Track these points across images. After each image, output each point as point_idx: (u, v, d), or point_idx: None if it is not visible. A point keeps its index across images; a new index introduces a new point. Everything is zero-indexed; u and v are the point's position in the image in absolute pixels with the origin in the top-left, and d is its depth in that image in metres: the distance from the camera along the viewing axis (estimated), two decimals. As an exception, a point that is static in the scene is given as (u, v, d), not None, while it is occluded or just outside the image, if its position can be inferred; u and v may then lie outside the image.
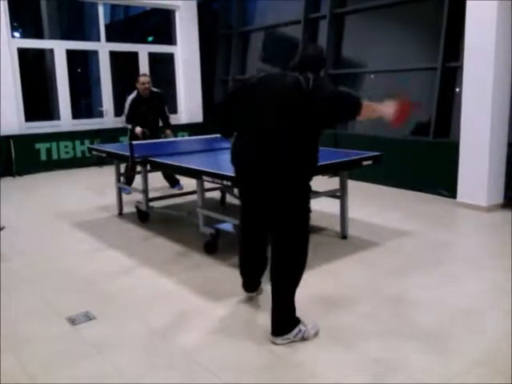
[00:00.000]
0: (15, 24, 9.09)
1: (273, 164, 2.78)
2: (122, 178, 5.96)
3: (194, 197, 5.15)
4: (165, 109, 7.02)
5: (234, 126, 3.10)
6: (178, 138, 7.10)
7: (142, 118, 6.66)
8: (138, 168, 5.22)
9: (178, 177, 7.00)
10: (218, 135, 3.44)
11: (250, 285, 3.42)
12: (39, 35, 9.85)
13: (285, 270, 2.95)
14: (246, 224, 3.27)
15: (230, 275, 3.90)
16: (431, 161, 6.50)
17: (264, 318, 3.17)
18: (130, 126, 6.69)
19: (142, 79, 6.71)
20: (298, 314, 2.97)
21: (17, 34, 9.29)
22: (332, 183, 4.74)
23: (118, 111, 9.88)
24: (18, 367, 2.69)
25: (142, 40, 10.97)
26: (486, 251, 4.47)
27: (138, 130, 6.57)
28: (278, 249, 2.94)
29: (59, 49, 9.32)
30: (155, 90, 6.95)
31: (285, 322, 2.91)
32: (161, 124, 7.08)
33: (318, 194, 4.83)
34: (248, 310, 3.33)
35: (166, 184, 7.04)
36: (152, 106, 6.78)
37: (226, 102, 3.24)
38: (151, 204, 5.33)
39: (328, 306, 3.34)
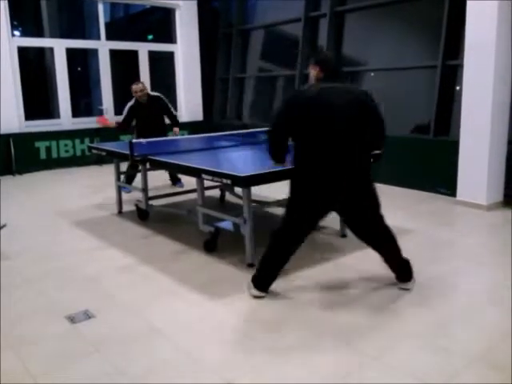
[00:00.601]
0: (15, 23, 9.08)
1: (352, 166, 3.26)
2: (122, 177, 5.96)
3: (193, 195, 5.15)
4: (170, 109, 7.10)
5: (297, 135, 3.29)
6: (178, 137, 7.09)
7: (142, 122, 6.80)
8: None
9: (178, 175, 7.03)
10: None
11: (270, 284, 3.51)
12: (39, 34, 9.81)
13: (388, 231, 3.48)
14: (308, 222, 3.43)
15: (229, 273, 3.91)
16: (431, 159, 6.49)
17: (264, 315, 3.19)
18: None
19: (133, 88, 6.84)
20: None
21: (17, 33, 9.27)
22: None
23: (118, 110, 9.91)
24: (19, 365, 2.69)
25: (142, 38, 10.94)
26: (486, 249, 4.46)
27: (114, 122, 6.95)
28: (375, 224, 3.46)
29: (59, 47, 9.33)
30: (154, 94, 7.05)
31: (408, 268, 3.52)
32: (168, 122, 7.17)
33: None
34: (248, 308, 3.32)
35: (166, 182, 7.04)
36: (151, 110, 6.86)
37: (286, 112, 3.32)
38: (151, 202, 5.34)
39: (327, 305, 3.35)
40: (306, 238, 3.46)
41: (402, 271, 3.52)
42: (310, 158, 3.25)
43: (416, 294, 3.45)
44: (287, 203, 3.46)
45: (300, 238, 3.47)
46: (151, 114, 6.83)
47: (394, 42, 7.73)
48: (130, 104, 6.86)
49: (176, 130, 7.09)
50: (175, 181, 7.20)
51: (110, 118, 9.83)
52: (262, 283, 3.48)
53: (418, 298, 3.39)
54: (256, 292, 3.46)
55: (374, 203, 3.43)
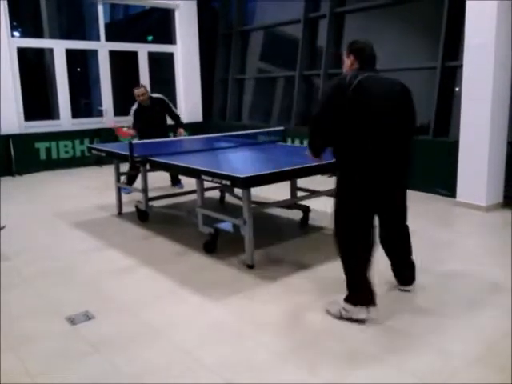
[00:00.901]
0: (15, 23, 9.07)
1: (403, 163, 3.22)
2: (122, 178, 5.97)
3: (193, 196, 5.15)
4: (172, 110, 7.22)
5: (343, 127, 3.03)
6: (178, 138, 7.10)
7: (146, 124, 6.84)
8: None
9: (179, 176, 7.05)
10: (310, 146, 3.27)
11: (372, 294, 3.12)
12: (39, 35, 9.79)
13: (408, 233, 3.50)
14: (365, 222, 3.18)
15: (229, 274, 3.91)
16: (431, 160, 6.47)
17: (263, 316, 3.19)
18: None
19: (135, 92, 6.93)
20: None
21: (16, 34, 9.26)
22: (331, 182, 4.73)
23: (118, 111, 9.99)
24: (19, 366, 2.69)
25: (142, 39, 10.94)
26: (485, 250, 4.46)
27: (125, 130, 7.04)
28: (399, 218, 3.46)
29: (59, 48, 9.32)
30: (156, 95, 7.12)
31: (413, 271, 3.52)
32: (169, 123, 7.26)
33: (317, 193, 4.85)
34: (247, 309, 3.32)
35: (166, 183, 7.04)
36: (154, 112, 6.95)
37: (332, 101, 3.04)
38: (151, 203, 5.34)
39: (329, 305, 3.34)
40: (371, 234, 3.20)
41: (407, 274, 3.52)
42: (361, 153, 3.02)
43: (416, 294, 3.46)
44: (336, 205, 3.21)
45: (368, 241, 3.18)
46: (154, 116, 6.92)
47: (393, 43, 7.72)
48: (134, 108, 6.94)
49: (181, 130, 7.18)
50: (175, 182, 7.22)
51: (110, 118, 9.86)
52: (370, 295, 3.09)
53: (418, 298, 3.39)
54: (357, 310, 3.06)
55: (405, 202, 3.46)
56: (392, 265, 3.53)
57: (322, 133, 3.15)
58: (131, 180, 6.70)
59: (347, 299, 3.12)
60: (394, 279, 3.55)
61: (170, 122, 7.26)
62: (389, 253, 3.50)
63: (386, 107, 3.06)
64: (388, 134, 3.06)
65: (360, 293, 3.09)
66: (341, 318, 3.12)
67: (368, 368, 2.60)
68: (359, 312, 3.05)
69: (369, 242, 3.19)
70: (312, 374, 2.56)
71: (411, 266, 3.52)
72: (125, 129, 7.04)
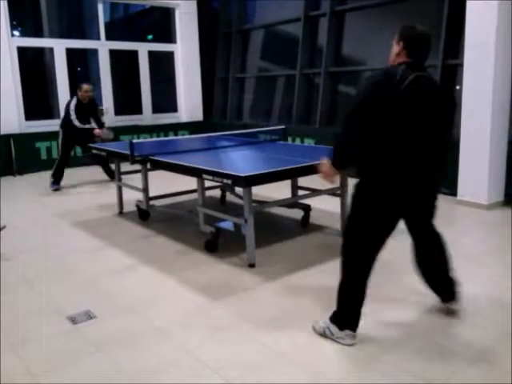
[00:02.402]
0: (15, 23, 9.06)
1: (440, 170, 2.90)
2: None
3: (194, 195, 5.15)
4: (97, 112, 7.65)
5: (379, 133, 2.60)
6: (179, 137, 7.12)
7: (81, 121, 7.16)
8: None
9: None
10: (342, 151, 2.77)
11: (359, 317, 2.86)
12: (39, 34, 9.77)
13: (445, 246, 3.15)
14: (381, 240, 2.81)
15: (230, 273, 3.90)
16: None
17: (264, 316, 3.19)
18: (87, 126, 7.22)
19: (85, 87, 7.25)
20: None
21: (16, 33, 9.24)
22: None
23: (119, 109, 10.02)
24: (20, 366, 2.69)
25: (142, 38, 10.93)
26: (486, 249, 4.46)
27: (98, 131, 7.21)
28: (435, 235, 3.18)
29: (59, 47, 9.32)
30: (91, 98, 7.54)
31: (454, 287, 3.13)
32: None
33: (318, 192, 4.84)
34: (249, 308, 3.32)
35: (167, 182, 7.02)
36: (88, 110, 7.36)
37: (367, 106, 2.57)
38: (152, 202, 5.34)
39: (330, 304, 3.33)
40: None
41: (448, 290, 3.13)
42: (398, 161, 2.64)
43: (416, 294, 3.45)
44: (350, 220, 2.88)
45: (372, 262, 2.82)
46: (87, 115, 7.32)
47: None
48: (73, 103, 7.21)
49: (105, 130, 7.43)
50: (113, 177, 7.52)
51: (110, 117, 9.87)
52: (355, 320, 2.83)
53: (418, 298, 3.39)
54: (344, 334, 2.81)
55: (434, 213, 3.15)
56: (431, 281, 3.15)
57: (356, 134, 2.61)
58: (59, 175, 7.22)
59: (334, 320, 2.87)
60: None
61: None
62: (427, 268, 3.13)
63: (432, 115, 2.67)
64: (429, 144, 2.69)
65: (351, 316, 2.83)
66: (324, 336, 2.89)
67: (368, 368, 2.60)
68: (345, 337, 2.81)
69: (373, 264, 2.84)
70: (313, 374, 2.56)
71: (450, 282, 3.12)
72: (96, 130, 7.26)
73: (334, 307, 3.32)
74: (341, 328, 2.82)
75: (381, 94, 2.56)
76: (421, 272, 3.14)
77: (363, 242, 2.78)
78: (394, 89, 2.54)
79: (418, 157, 2.66)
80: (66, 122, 7.23)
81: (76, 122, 7.12)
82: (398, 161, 2.63)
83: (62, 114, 7.53)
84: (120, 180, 5.74)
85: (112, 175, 7.54)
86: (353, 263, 2.84)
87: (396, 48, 2.78)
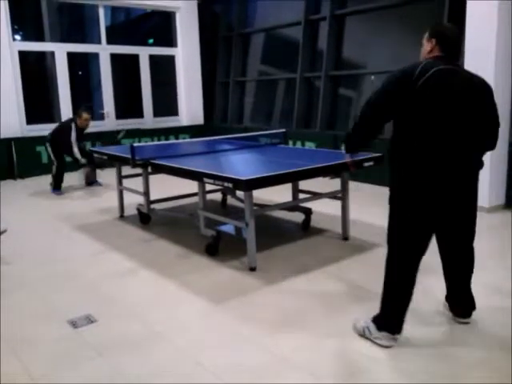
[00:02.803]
0: (16, 27, 9.08)
1: (472, 173, 2.84)
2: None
3: (195, 199, 5.14)
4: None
5: (401, 124, 2.70)
6: (180, 141, 7.12)
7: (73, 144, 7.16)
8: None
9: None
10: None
11: (402, 322, 2.85)
12: (40, 38, 9.81)
13: (472, 257, 3.03)
14: (421, 241, 2.80)
15: (231, 277, 3.90)
16: None
17: (265, 319, 3.18)
18: (83, 161, 7.28)
19: (85, 116, 7.25)
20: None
21: (18, 37, 9.26)
22: (333, 185, 4.73)
23: (119, 114, 10.00)
24: (21, 370, 2.69)
25: (143, 42, 10.93)
26: (487, 252, 4.42)
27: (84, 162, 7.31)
28: (466, 238, 2.98)
29: (60, 51, 9.33)
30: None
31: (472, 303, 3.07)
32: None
33: (319, 195, 4.83)
34: (249, 312, 3.31)
35: (168, 186, 7.01)
36: (83, 139, 7.49)
37: (384, 99, 2.70)
38: (152, 206, 5.33)
39: (331, 308, 3.34)
40: (419, 262, 2.82)
41: (465, 305, 3.08)
42: (421, 156, 2.65)
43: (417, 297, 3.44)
44: (390, 222, 2.86)
45: (415, 262, 2.81)
46: (82, 143, 7.42)
47: (394, 44, 7.72)
48: (73, 133, 7.16)
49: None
50: (92, 181, 7.74)
51: (111, 121, 9.90)
52: (397, 323, 2.83)
53: (420, 304, 3.38)
54: (381, 335, 2.82)
55: (474, 219, 2.95)
56: (448, 292, 3.14)
57: (372, 121, 2.78)
58: (58, 181, 7.22)
59: (375, 320, 2.89)
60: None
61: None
62: (447, 278, 3.11)
63: (459, 108, 2.66)
64: (457, 138, 2.66)
65: (391, 318, 2.85)
66: (363, 336, 2.92)
67: (370, 370, 2.59)
68: (382, 338, 2.82)
69: (416, 267, 2.83)
70: (313, 377, 2.55)
71: (469, 298, 3.06)
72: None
73: (336, 310, 3.32)
74: (379, 328, 2.84)
75: (400, 86, 2.63)
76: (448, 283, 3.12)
77: (405, 242, 2.80)
78: (413, 82, 2.58)
79: (447, 148, 2.65)
80: (62, 147, 7.25)
81: (77, 155, 7.17)
82: (425, 153, 2.64)
83: (55, 131, 7.41)
84: (121, 184, 5.73)
85: (90, 180, 7.77)
86: (395, 265, 2.84)
87: (428, 45, 2.83)
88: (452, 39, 2.80)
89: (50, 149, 7.35)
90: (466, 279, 3.04)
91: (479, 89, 2.83)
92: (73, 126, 7.16)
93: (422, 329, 3.02)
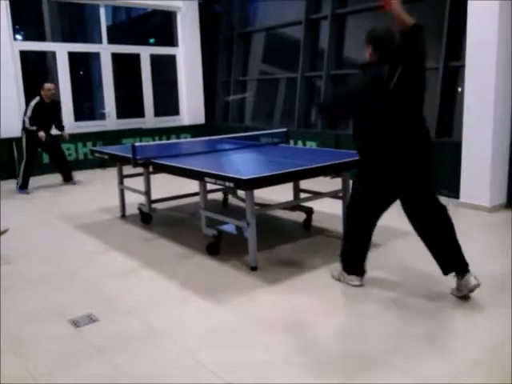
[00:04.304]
0: (17, 26, 9.07)
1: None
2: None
3: (196, 198, 5.13)
4: (61, 114, 7.86)
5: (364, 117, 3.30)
6: (181, 140, 7.11)
7: (43, 121, 7.29)
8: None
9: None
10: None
11: (364, 266, 3.55)
12: (41, 38, 9.81)
13: (447, 216, 3.39)
14: (378, 205, 3.43)
15: (232, 276, 3.89)
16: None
17: (266, 319, 3.18)
18: (34, 128, 7.26)
19: (48, 85, 7.41)
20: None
21: (19, 37, 9.27)
22: (334, 184, 4.73)
23: (120, 113, 9.98)
24: (22, 369, 2.69)
25: (144, 42, 10.91)
26: (488, 251, 4.44)
27: (42, 134, 7.26)
28: (433, 204, 3.38)
29: (61, 51, 9.31)
30: (55, 99, 7.72)
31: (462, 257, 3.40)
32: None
33: (320, 194, 4.82)
34: (250, 311, 3.31)
35: (169, 185, 7.01)
36: (51, 111, 7.50)
37: (355, 96, 3.38)
38: (154, 206, 5.33)
39: (332, 307, 3.34)
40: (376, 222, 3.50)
41: (457, 260, 3.36)
42: (383, 139, 3.23)
43: (419, 295, 3.45)
44: (357, 184, 3.47)
45: (371, 222, 3.49)
46: (50, 114, 7.47)
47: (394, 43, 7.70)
48: (35, 102, 7.33)
49: (65, 134, 7.74)
50: (67, 179, 7.86)
51: (112, 121, 9.87)
52: (359, 267, 3.53)
53: (421, 300, 3.39)
54: (351, 278, 3.54)
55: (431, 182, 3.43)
56: (438, 255, 3.41)
57: (337, 111, 3.59)
58: (26, 179, 7.31)
59: (344, 268, 3.59)
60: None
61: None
62: (431, 241, 3.41)
63: (408, 94, 3.22)
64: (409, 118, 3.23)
65: (353, 264, 3.54)
66: (340, 281, 3.62)
67: (372, 371, 2.60)
68: (353, 280, 3.54)
69: (374, 224, 3.49)
70: (314, 376, 2.55)
71: (458, 252, 3.38)
72: (41, 132, 7.32)
73: (337, 309, 3.32)
74: (349, 273, 3.56)
75: (373, 88, 3.22)
76: (425, 243, 3.44)
77: (365, 196, 3.38)
78: (383, 88, 3.15)
79: (402, 129, 3.20)
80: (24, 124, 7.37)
81: (26, 120, 7.26)
82: (386, 136, 3.20)
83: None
84: (122, 183, 5.72)
85: (67, 177, 7.83)
86: (355, 218, 3.49)
87: (367, 53, 3.38)
88: (388, 43, 3.37)
89: (24, 138, 7.46)
90: (449, 234, 3.38)
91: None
92: (37, 98, 7.33)
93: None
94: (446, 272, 3.39)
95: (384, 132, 3.21)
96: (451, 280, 3.39)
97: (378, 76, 3.18)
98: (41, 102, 7.34)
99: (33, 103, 7.30)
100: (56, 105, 7.87)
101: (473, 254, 4.31)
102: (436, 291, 3.50)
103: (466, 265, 3.33)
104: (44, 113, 7.34)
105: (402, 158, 3.21)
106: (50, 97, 7.45)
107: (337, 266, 3.72)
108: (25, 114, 7.34)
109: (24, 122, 7.33)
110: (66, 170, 8.01)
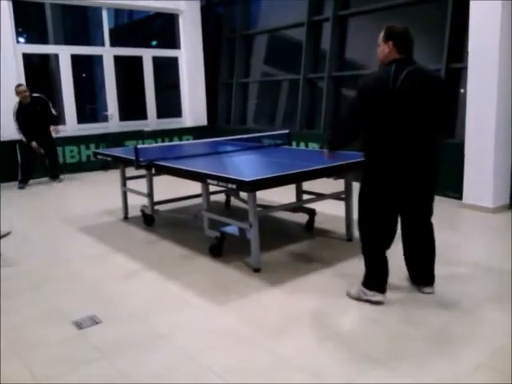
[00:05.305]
0: (20, 29, 9.04)
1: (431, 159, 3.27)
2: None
3: (199, 200, 5.09)
4: (50, 109, 7.69)
5: (375, 123, 3.10)
6: (183, 142, 7.08)
7: (29, 124, 7.32)
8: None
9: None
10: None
11: (385, 283, 3.33)
12: (44, 40, 9.78)
13: (432, 232, 3.43)
14: (389, 215, 3.27)
15: (235, 278, 3.88)
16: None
17: (269, 321, 3.17)
18: (24, 140, 7.43)
19: (19, 89, 7.45)
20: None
21: (22, 40, 9.25)
22: (337, 185, 4.71)
23: (123, 115, 9.95)
24: (25, 371, 2.68)
25: (146, 44, 10.88)
26: (492, 253, 4.42)
27: (34, 144, 7.43)
28: (425, 217, 3.39)
29: (64, 54, 9.29)
30: (36, 95, 7.63)
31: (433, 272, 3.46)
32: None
33: (323, 196, 4.81)
34: (253, 313, 3.30)
35: (171, 187, 6.98)
36: (35, 110, 7.43)
37: (361, 109, 3.14)
38: (156, 207, 5.30)
39: (335, 309, 3.32)
40: (394, 232, 3.30)
41: (429, 275, 3.46)
42: (392, 144, 3.06)
43: (421, 297, 3.43)
44: (360, 193, 3.33)
45: (390, 234, 3.28)
46: (35, 114, 7.45)
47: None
48: (15, 109, 7.42)
49: (57, 128, 7.79)
50: (54, 176, 7.98)
51: (115, 123, 9.83)
52: (382, 284, 3.30)
53: (423, 301, 3.37)
54: (372, 294, 3.28)
55: (430, 199, 3.36)
56: (413, 266, 3.50)
57: (350, 132, 3.28)
58: (24, 174, 7.40)
59: (364, 284, 3.32)
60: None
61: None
62: (410, 252, 3.47)
63: (423, 102, 3.03)
64: (420, 129, 3.08)
65: (375, 280, 3.28)
66: (359, 299, 3.34)
67: (373, 373, 2.58)
68: (374, 295, 3.27)
69: (391, 234, 3.28)
70: (317, 378, 2.54)
71: (431, 269, 3.45)
72: (33, 143, 7.49)
73: (340, 311, 3.29)
74: (370, 289, 3.29)
75: (369, 95, 3.05)
76: (411, 258, 3.49)
77: (374, 209, 3.23)
78: (390, 84, 2.95)
79: (412, 138, 3.07)
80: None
81: (19, 132, 7.41)
82: (395, 143, 3.05)
83: None
84: (125, 185, 5.70)
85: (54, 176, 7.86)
86: (365, 229, 3.32)
87: (386, 48, 3.11)
88: (407, 40, 3.12)
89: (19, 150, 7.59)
90: (428, 253, 3.42)
91: (439, 85, 3.20)
92: (14, 109, 7.42)
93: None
94: (415, 282, 3.51)
95: (386, 131, 3.09)
96: (448, 284, 3.39)
97: (383, 75, 3.04)
98: (20, 107, 7.38)
99: (13, 112, 7.38)
100: (39, 101, 7.78)
101: (477, 255, 4.33)
102: (436, 294, 3.48)
103: (434, 278, 3.47)
104: (27, 114, 7.37)
105: (404, 157, 3.12)
106: (26, 98, 7.44)
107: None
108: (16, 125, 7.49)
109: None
110: (55, 169, 8.13)
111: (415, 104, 3.00)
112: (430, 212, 3.39)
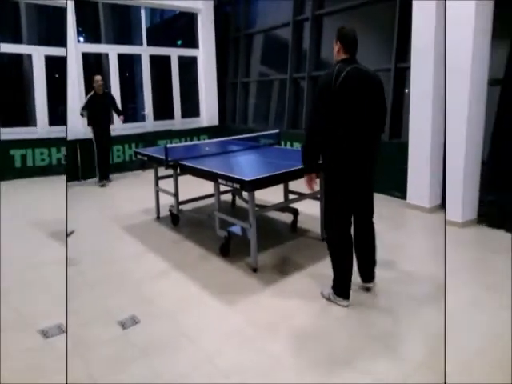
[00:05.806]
0: (79, 29, 7.69)
1: (372, 157, 2.64)
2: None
3: (212, 199, 4.30)
4: (117, 105, 6.76)
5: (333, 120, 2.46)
6: (201, 141, 6.13)
7: (97, 111, 6.36)
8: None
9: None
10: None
11: (348, 290, 2.78)
12: (98, 40, 8.23)
13: (374, 231, 2.85)
14: (347, 214, 2.67)
15: (238, 278, 3.31)
16: (387, 162, 4.84)
17: (271, 321, 2.69)
18: (83, 113, 6.39)
19: (96, 78, 6.42)
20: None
21: (81, 39, 7.94)
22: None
23: (157, 115, 8.34)
24: (84, 370, 2.30)
25: (173, 44, 9.16)
26: (461, 266, 3.45)
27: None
28: (368, 214, 2.78)
29: (113, 53, 7.88)
30: (107, 90, 6.71)
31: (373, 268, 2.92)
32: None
33: (303, 196, 4.03)
34: (255, 314, 2.81)
35: (189, 187, 5.32)
36: (104, 101, 6.49)
37: (320, 110, 2.46)
38: (181, 207, 4.55)
39: (313, 311, 2.84)
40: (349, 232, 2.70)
41: (370, 271, 2.91)
42: (338, 142, 2.48)
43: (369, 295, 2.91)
44: (326, 198, 2.70)
45: (348, 235, 2.69)
46: (103, 104, 6.47)
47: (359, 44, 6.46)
48: (90, 95, 6.42)
49: (121, 117, 6.74)
50: (104, 177, 6.65)
51: (150, 121, 8.18)
52: (347, 290, 2.74)
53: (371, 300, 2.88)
54: (339, 299, 2.75)
55: (372, 198, 2.79)
56: (358, 262, 2.87)
57: (319, 135, 2.49)
58: (101, 170, 6.39)
59: (333, 288, 2.80)
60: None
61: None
62: (356, 250, 2.83)
63: (365, 100, 2.47)
64: (362, 126, 2.48)
65: (341, 288, 2.75)
66: (329, 300, 2.83)
67: (370, 371, 2.18)
68: (341, 301, 2.76)
69: (350, 239, 2.70)
70: (301, 376, 2.16)
71: (374, 263, 2.89)
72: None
73: (317, 313, 2.79)
74: (337, 295, 2.77)
75: (323, 92, 2.42)
76: (356, 255, 2.84)
77: (334, 208, 2.62)
78: (333, 85, 2.39)
79: (358, 134, 2.47)
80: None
81: (80, 109, 6.44)
82: (343, 139, 2.46)
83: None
84: (157, 185, 4.87)
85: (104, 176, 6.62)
86: (332, 238, 2.72)
87: (336, 47, 2.57)
88: (351, 40, 2.52)
89: (92, 133, 6.54)
90: (371, 249, 2.85)
91: (377, 83, 2.57)
92: (89, 94, 6.44)
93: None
94: (365, 280, 2.92)
95: (337, 129, 2.48)
96: (422, 283, 2.94)
97: (330, 74, 2.44)
98: (94, 95, 6.36)
99: (88, 96, 6.43)
100: (110, 97, 6.72)
101: (417, 254, 3.67)
102: (401, 293, 2.95)
103: (374, 274, 2.95)
104: (97, 103, 6.34)
105: (352, 154, 2.52)
106: (99, 88, 6.39)
107: (325, 287, 2.91)
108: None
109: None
110: (107, 168, 6.63)
111: (356, 101, 2.43)
112: (372, 211, 2.79)
